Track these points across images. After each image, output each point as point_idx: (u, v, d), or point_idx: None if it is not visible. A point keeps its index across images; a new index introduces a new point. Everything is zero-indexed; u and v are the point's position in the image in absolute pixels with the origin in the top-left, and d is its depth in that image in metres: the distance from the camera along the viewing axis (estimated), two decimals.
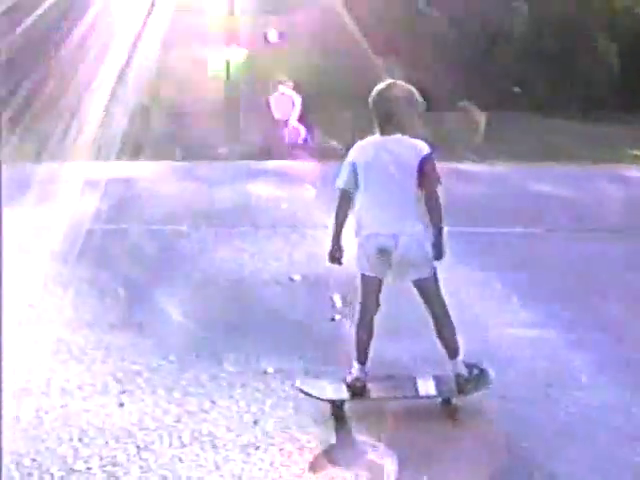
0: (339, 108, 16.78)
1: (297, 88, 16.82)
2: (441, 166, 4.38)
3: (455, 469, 3.85)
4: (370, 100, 4.44)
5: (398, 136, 4.35)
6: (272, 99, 16.82)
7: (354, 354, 4.48)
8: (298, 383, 4.54)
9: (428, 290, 4.43)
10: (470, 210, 9.58)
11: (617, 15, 22.24)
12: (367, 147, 4.41)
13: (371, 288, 4.43)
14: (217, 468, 3.80)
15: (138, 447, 3.98)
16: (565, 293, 6.62)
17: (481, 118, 17.26)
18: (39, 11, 14.70)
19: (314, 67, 18.72)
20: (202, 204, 10.48)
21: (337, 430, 4.20)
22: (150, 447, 3.98)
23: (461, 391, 4.43)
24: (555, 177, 13.17)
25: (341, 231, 4.41)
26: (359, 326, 4.48)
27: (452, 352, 4.48)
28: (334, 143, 14.25)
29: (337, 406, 4.37)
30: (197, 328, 5.71)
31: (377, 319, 4.47)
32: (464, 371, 4.46)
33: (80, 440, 4.04)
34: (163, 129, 16.00)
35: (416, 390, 4.45)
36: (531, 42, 21.49)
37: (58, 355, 5.15)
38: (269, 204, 10.48)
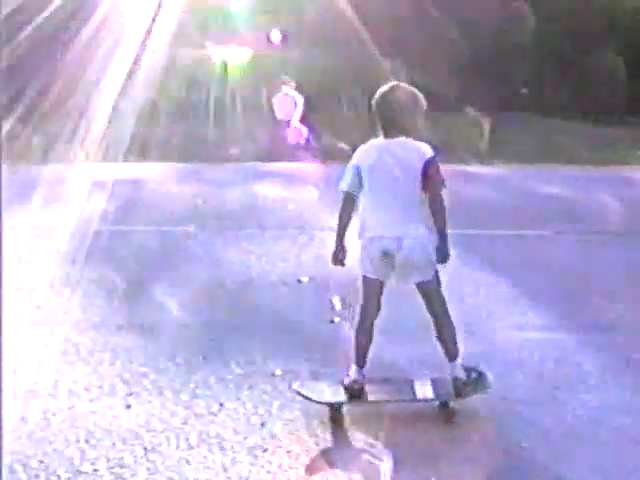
0: (343, 109, 16.81)
1: (299, 88, 16.84)
2: (445, 168, 4.38)
3: (458, 471, 3.84)
4: (373, 103, 4.43)
5: (402, 139, 4.33)
6: (275, 100, 16.84)
7: (352, 357, 4.47)
8: (296, 386, 4.52)
9: (430, 291, 4.43)
10: (476, 212, 9.58)
11: (624, 15, 22.19)
12: (371, 150, 4.40)
13: (373, 290, 4.42)
14: (224, 470, 3.79)
15: (145, 449, 3.98)
16: (572, 295, 6.61)
17: (486, 125, 17.23)
18: (45, 12, 14.71)
19: (318, 67, 18.74)
20: (209, 205, 10.49)
21: (334, 433, 4.19)
22: (157, 449, 3.98)
23: (459, 394, 4.42)
24: (560, 179, 13.15)
25: (344, 233, 4.40)
26: (359, 330, 4.46)
27: (451, 355, 4.47)
28: (342, 144, 14.25)
29: (335, 409, 4.36)
30: (204, 330, 5.71)
31: (376, 322, 4.46)
32: (462, 374, 4.45)
33: (87, 442, 4.04)
34: (168, 130, 16.03)
35: (414, 393, 4.43)
36: (537, 43, 21.45)
37: (65, 357, 5.15)
38: (276, 205, 10.48)
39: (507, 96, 19.58)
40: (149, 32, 15.85)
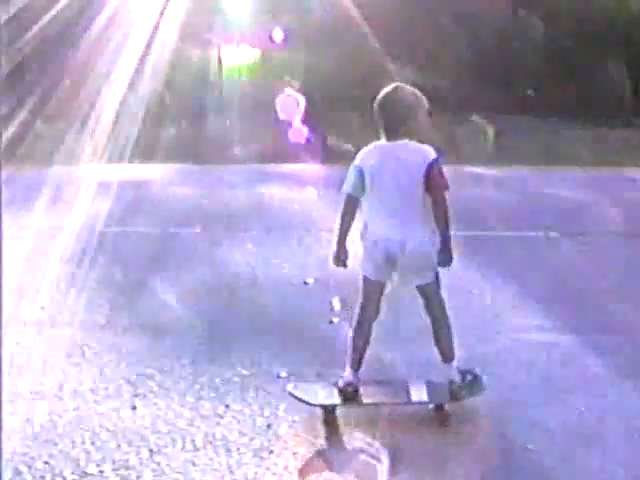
0: (347, 109, 16.77)
1: (301, 89, 16.85)
2: (449, 169, 4.36)
3: (465, 472, 3.83)
4: (375, 104, 4.38)
5: (405, 141, 4.30)
6: (278, 100, 16.84)
7: (348, 359, 4.46)
8: (289, 387, 4.51)
9: (429, 293, 4.42)
10: (482, 214, 9.56)
11: (630, 17, 22.15)
12: (373, 152, 4.37)
13: (373, 292, 4.41)
14: (230, 472, 3.79)
15: (151, 451, 3.98)
16: (578, 297, 6.59)
17: (490, 131, 17.19)
18: (51, 13, 14.72)
19: (321, 67, 18.72)
20: (214, 206, 10.48)
21: (328, 435, 4.18)
22: (163, 451, 3.98)
23: (454, 397, 4.40)
24: (566, 181, 13.11)
25: (346, 236, 4.37)
26: (356, 332, 4.44)
27: (447, 357, 4.45)
28: (348, 146, 14.24)
29: (329, 411, 4.35)
30: (210, 331, 5.71)
31: (374, 325, 4.45)
32: (457, 377, 4.43)
33: (93, 443, 4.04)
34: (172, 131, 16.05)
35: (408, 396, 4.42)
36: (544, 45, 21.44)
37: (71, 358, 5.15)
38: (281, 206, 10.48)
39: (512, 98, 19.55)
40: (152, 33, 15.85)
